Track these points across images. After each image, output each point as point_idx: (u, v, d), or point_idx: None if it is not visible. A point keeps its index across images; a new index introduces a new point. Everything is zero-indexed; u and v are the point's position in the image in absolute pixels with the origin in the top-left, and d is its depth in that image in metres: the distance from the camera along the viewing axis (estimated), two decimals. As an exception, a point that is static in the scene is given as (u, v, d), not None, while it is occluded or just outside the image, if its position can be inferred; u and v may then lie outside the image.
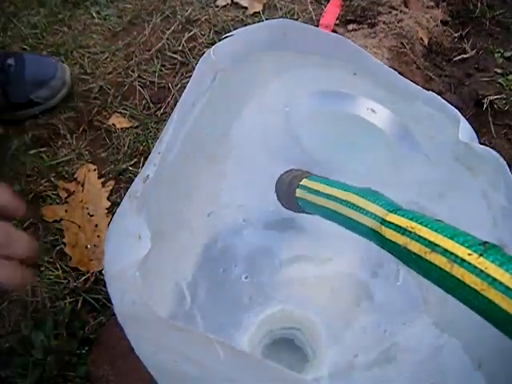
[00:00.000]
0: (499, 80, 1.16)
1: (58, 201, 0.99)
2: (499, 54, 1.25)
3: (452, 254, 0.31)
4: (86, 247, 0.93)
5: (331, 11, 1.30)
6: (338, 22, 1.29)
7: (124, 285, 0.37)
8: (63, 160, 1.04)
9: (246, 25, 1.28)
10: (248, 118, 0.67)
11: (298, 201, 0.57)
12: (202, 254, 0.69)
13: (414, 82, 0.57)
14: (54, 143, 1.07)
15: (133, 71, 1.20)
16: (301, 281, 0.70)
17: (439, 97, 0.55)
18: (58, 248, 0.93)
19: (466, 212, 0.53)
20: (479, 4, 1.36)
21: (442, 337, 0.56)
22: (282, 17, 1.31)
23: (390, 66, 0.59)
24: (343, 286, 0.69)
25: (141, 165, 1.02)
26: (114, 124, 1.10)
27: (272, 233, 0.73)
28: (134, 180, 0.47)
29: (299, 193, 0.56)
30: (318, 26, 1.24)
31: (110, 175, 1.03)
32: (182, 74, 1.19)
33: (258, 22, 1.29)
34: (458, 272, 0.30)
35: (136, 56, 1.24)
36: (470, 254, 0.30)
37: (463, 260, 0.30)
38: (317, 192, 0.51)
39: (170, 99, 1.13)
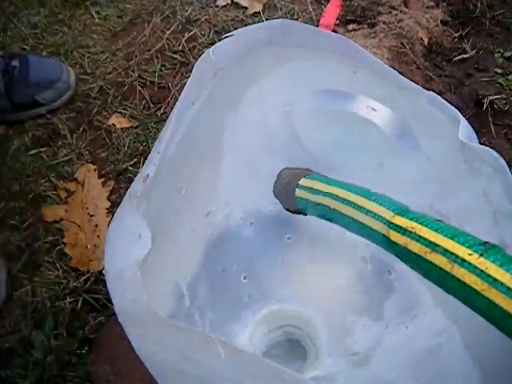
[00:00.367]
0: (499, 80, 1.16)
1: (57, 201, 0.99)
2: (499, 54, 1.25)
3: (452, 254, 0.31)
4: (86, 247, 0.93)
5: (331, 11, 1.30)
6: (337, 22, 1.29)
7: (124, 284, 0.37)
8: (63, 160, 1.04)
9: (246, 25, 1.28)
10: (247, 116, 0.67)
11: (297, 201, 0.57)
12: (202, 254, 0.69)
13: (414, 82, 0.57)
14: (54, 143, 1.07)
15: (133, 71, 1.20)
16: (300, 280, 0.70)
17: (439, 97, 0.55)
18: (57, 248, 0.93)
19: (466, 212, 0.53)
20: (479, 4, 1.36)
21: (442, 335, 0.56)
22: (281, 17, 1.31)
23: (390, 66, 0.59)
24: (343, 284, 0.69)
25: (141, 165, 1.03)
26: (114, 124, 1.10)
27: (271, 232, 0.73)
28: (133, 180, 0.47)
29: (298, 192, 0.56)
30: (317, 26, 1.24)
31: (110, 175, 1.03)
32: (182, 74, 1.19)
33: (258, 22, 1.29)
34: (459, 272, 0.30)
35: (136, 56, 1.24)
36: (470, 254, 0.30)
37: (463, 260, 0.30)
38: (316, 191, 0.51)
39: (170, 99, 1.13)
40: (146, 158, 0.49)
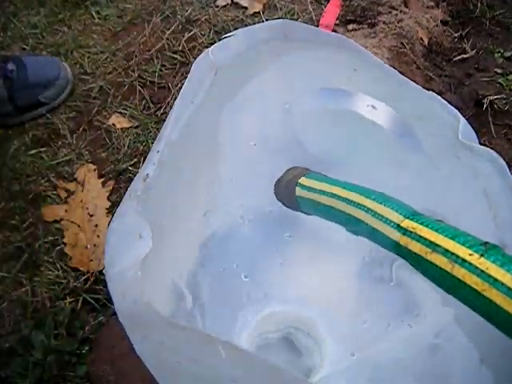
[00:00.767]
0: (499, 80, 1.17)
1: (57, 201, 0.99)
2: (499, 54, 1.25)
3: (453, 254, 0.31)
4: (86, 247, 0.93)
5: (331, 11, 1.30)
6: (337, 21, 1.29)
7: (125, 284, 0.37)
8: (63, 160, 1.04)
9: (246, 25, 1.28)
10: (247, 115, 0.67)
11: (298, 200, 0.57)
12: (201, 253, 0.68)
13: (414, 82, 0.57)
14: (54, 143, 1.07)
15: (133, 71, 1.21)
16: (301, 279, 0.70)
17: (439, 97, 0.55)
18: (57, 248, 0.93)
19: (466, 211, 0.53)
20: (479, 4, 1.36)
21: (444, 333, 0.56)
22: (282, 17, 1.31)
23: (390, 66, 0.58)
24: (344, 283, 0.69)
25: (141, 165, 1.03)
26: (113, 124, 1.10)
27: (272, 231, 0.73)
28: (133, 180, 0.47)
29: (298, 191, 0.56)
30: (317, 26, 1.24)
31: (110, 175, 1.03)
32: (182, 74, 1.19)
33: (258, 22, 1.29)
34: (459, 272, 0.30)
35: (136, 56, 1.24)
36: (470, 255, 0.30)
37: (464, 260, 0.30)
38: (316, 190, 0.51)
39: (170, 99, 1.14)
40: (145, 158, 0.49)
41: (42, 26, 1.33)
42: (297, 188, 0.56)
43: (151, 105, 1.14)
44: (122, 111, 1.12)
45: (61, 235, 0.95)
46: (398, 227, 0.37)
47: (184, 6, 1.37)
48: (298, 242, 0.72)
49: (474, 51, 1.24)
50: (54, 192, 1.00)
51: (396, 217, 0.38)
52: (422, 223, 0.34)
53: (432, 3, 1.34)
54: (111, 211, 0.97)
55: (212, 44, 0.58)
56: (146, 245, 0.38)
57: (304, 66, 0.63)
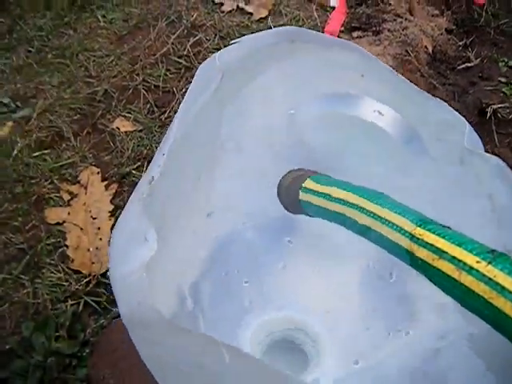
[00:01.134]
0: (503, 89, 1.17)
1: (60, 203, 0.99)
2: (503, 63, 1.25)
3: (460, 261, 0.31)
4: (89, 250, 0.93)
5: (336, 18, 1.30)
6: (342, 28, 1.29)
7: (130, 287, 0.37)
8: (67, 162, 1.04)
9: (251, 31, 1.29)
10: (252, 119, 0.67)
11: (302, 203, 0.56)
12: (203, 257, 0.68)
13: (419, 90, 0.57)
14: (58, 146, 1.07)
15: (138, 75, 1.21)
16: (302, 284, 0.70)
17: (445, 104, 0.55)
18: (60, 250, 0.94)
19: (471, 216, 0.53)
20: (484, 13, 1.36)
21: (445, 339, 0.56)
22: (287, 23, 1.32)
23: (395, 73, 0.59)
24: (347, 290, 0.69)
25: (144, 168, 1.03)
26: (118, 127, 1.10)
27: (274, 236, 0.73)
28: (137, 183, 0.47)
29: (302, 195, 0.56)
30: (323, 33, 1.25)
31: (114, 178, 1.03)
32: (187, 79, 1.20)
33: (264, 28, 1.29)
34: (466, 280, 0.30)
35: (141, 60, 1.24)
36: (478, 262, 0.30)
37: (471, 268, 0.30)
38: (321, 194, 0.51)
39: (174, 103, 1.14)
40: (149, 162, 0.49)
41: (47, 29, 1.34)
42: (300, 191, 0.56)
43: (155, 109, 1.14)
44: (127, 115, 1.13)
45: (63, 237, 0.95)
46: (406, 233, 0.36)
47: (189, 10, 1.37)
48: (300, 247, 0.72)
49: (479, 60, 1.24)
50: (57, 194, 1.00)
51: (404, 223, 0.37)
52: (429, 230, 0.34)
53: (437, 11, 1.34)
54: (114, 214, 0.97)
55: (217, 49, 0.59)
56: (151, 248, 0.38)
57: (310, 71, 0.63)
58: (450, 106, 0.56)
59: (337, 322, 0.67)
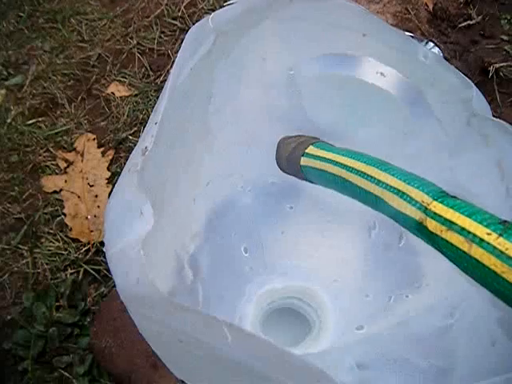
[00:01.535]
0: (505, 47, 1.14)
1: (57, 171, 0.98)
2: (506, 21, 1.22)
3: (469, 233, 0.29)
4: (87, 218, 0.93)
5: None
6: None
7: (127, 263, 0.36)
8: (62, 130, 1.03)
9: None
10: (249, 82, 0.65)
11: (303, 170, 0.54)
12: (202, 226, 0.67)
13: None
14: (52, 113, 1.06)
15: (131, 38, 1.18)
16: (303, 251, 0.69)
17: (452, 66, 0.53)
18: (57, 219, 0.93)
19: (478, 182, 0.52)
20: (485, -32, 1.33)
21: (452, 311, 0.55)
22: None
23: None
24: (349, 255, 0.68)
25: (141, 133, 1.01)
26: (113, 92, 1.08)
27: (273, 201, 0.71)
28: (133, 149, 0.46)
29: (304, 161, 0.54)
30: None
31: (110, 144, 1.01)
32: (182, 41, 1.17)
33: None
34: (477, 252, 0.29)
35: (135, 23, 1.21)
36: (488, 234, 0.28)
37: (482, 240, 0.28)
38: (325, 160, 0.48)
39: (169, 67, 1.12)
40: (145, 127, 0.47)
41: (38, -8, 1.31)
42: (302, 158, 0.54)
43: (151, 72, 1.12)
44: (121, 79, 1.11)
45: (61, 206, 0.94)
46: (416, 204, 0.35)
47: (183, -30, 1.34)
48: (301, 212, 0.71)
49: (480, 17, 1.21)
50: (53, 162, 0.99)
51: (416, 193, 0.35)
52: (436, 199, 0.33)
53: (437, -33, 1.31)
54: (111, 181, 0.96)
55: (212, 10, 0.57)
56: (148, 222, 0.37)
57: (309, 31, 0.61)
58: (452, 65, 0.54)
59: (340, 288, 0.66)
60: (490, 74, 1.07)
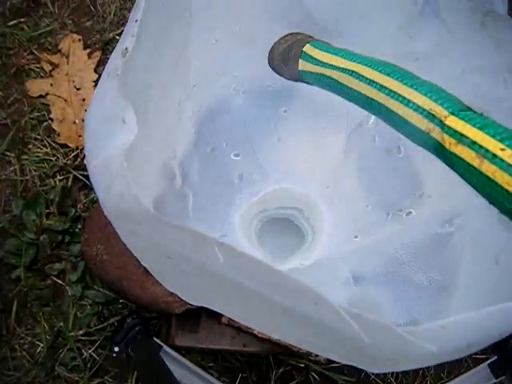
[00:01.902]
0: None
1: (42, 74, 0.94)
2: None
3: (481, 147, 0.27)
4: (74, 122, 0.90)
5: None
6: None
7: (110, 176, 0.34)
8: (45, 30, 0.98)
9: None
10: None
11: (300, 72, 0.51)
12: (191, 130, 0.65)
13: None
14: (35, 13, 1.01)
15: None
16: (301, 157, 0.67)
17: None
18: (44, 124, 0.90)
19: (488, 91, 0.49)
20: None
21: (451, 223, 0.54)
22: None
23: None
24: (348, 164, 0.66)
25: (128, 34, 0.97)
26: (98, -10, 1.04)
27: (268, 105, 0.69)
28: (110, 57, 0.42)
29: (301, 63, 0.50)
30: None
31: (96, 45, 0.98)
32: None
33: None
34: (489, 169, 0.26)
35: None
36: (502, 149, 0.26)
37: (495, 155, 0.26)
38: (324, 64, 0.45)
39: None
40: (126, 26, 0.44)
41: None
42: (300, 59, 0.50)
43: (137, -32, 1.06)
44: (107, -25, 1.05)
45: (47, 111, 0.91)
46: (422, 112, 0.32)
47: None
48: (296, 117, 0.68)
49: None
50: (38, 65, 0.95)
51: (423, 101, 0.33)
52: (445, 108, 0.30)
53: None
54: (98, 84, 0.93)
55: None
56: (131, 131, 0.34)
57: None
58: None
59: (335, 195, 0.65)
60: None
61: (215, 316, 0.68)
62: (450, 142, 0.29)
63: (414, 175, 0.61)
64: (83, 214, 0.84)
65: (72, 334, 0.78)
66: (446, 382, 0.76)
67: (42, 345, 0.78)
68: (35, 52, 0.96)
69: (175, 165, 0.61)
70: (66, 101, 0.92)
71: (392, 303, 0.55)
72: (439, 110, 0.30)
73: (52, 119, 0.91)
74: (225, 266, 0.30)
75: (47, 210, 0.83)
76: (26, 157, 0.87)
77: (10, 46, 0.96)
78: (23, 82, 0.94)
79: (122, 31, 0.92)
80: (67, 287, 0.80)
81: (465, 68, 0.53)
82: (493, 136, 0.27)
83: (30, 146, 0.88)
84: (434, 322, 0.28)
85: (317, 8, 0.61)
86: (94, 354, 0.78)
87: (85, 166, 0.86)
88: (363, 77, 0.38)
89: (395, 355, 0.30)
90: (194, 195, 0.62)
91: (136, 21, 0.40)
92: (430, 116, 0.31)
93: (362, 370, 0.78)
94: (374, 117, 0.39)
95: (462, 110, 0.29)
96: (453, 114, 0.29)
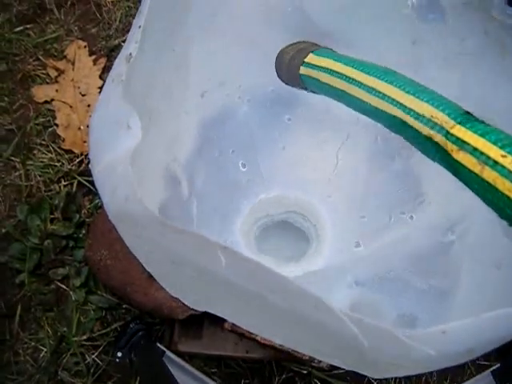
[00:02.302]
0: None
1: (47, 80, 0.95)
2: None
3: (482, 154, 0.27)
4: (79, 128, 0.91)
5: None
6: None
7: (115, 180, 0.34)
8: (51, 37, 0.99)
9: None
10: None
11: (303, 79, 0.51)
12: (197, 138, 0.65)
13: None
14: (41, 19, 1.01)
15: None
16: (304, 165, 0.67)
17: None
18: (49, 130, 0.91)
19: (493, 97, 0.49)
20: None
21: (453, 230, 0.54)
22: None
23: None
24: (350, 171, 0.66)
25: (133, 41, 0.98)
26: (103, -4, 1.04)
27: (273, 113, 0.69)
28: (114, 62, 0.43)
29: (303, 70, 0.51)
30: None
31: (102, 52, 0.98)
32: None
33: None
34: (490, 176, 0.26)
35: None
36: (503, 156, 0.26)
37: (496, 162, 0.26)
38: (327, 70, 0.45)
39: (162, -31, 1.07)
40: (130, 32, 0.44)
41: None
42: (302, 67, 0.51)
43: (142, -25, 1.07)
44: (112, -17, 1.06)
45: (52, 116, 0.92)
46: (423, 119, 0.32)
47: None
48: (300, 125, 0.68)
49: None
50: (44, 71, 0.95)
51: (425, 108, 0.33)
52: (447, 115, 0.30)
53: None
54: (104, 91, 0.93)
55: None
56: (135, 135, 0.35)
57: None
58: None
59: (338, 203, 0.65)
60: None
61: (218, 322, 0.68)
62: (451, 149, 0.29)
63: (415, 181, 0.61)
64: (87, 220, 0.84)
65: (75, 338, 0.78)
66: (449, 389, 0.76)
67: (45, 349, 0.79)
68: (41, 58, 0.96)
69: (179, 171, 0.61)
70: (71, 107, 0.93)
71: (393, 308, 0.55)
72: (441, 117, 0.30)
73: (57, 125, 0.91)
74: (227, 270, 0.30)
75: (51, 216, 0.84)
76: (30, 162, 0.88)
77: (16, 52, 0.97)
78: (29, 87, 0.94)
79: (128, 38, 0.93)
80: (71, 292, 0.80)
81: (468, 71, 0.53)
82: (494, 143, 0.27)
83: (35, 152, 0.89)
84: (435, 327, 0.28)
85: (319, 15, 0.62)
86: (97, 359, 0.78)
87: (89, 171, 0.86)
88: (365, 85, 0.38)
89: (396, 359, 0.31)
90: (198, 201, 0.62)
91: (139, 27, 0.40)
92: (432, 123, 0.31)
93: (364, 377, 0.78)
94: (376, 123, 0.39)
95: (464, 117, 0.30)
96: (454, 120, 0.30)
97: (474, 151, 0.28)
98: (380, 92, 0.36)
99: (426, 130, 0.31)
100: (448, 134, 0.29)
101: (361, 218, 0.63)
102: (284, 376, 0.77)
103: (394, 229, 0.60)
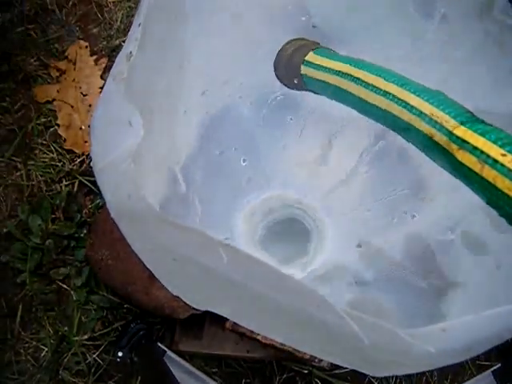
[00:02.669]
0: None
1: (49, 80, 0.95)
2: None
3: (483, 153, 0.27)
4: (81, 128, 0.91)
5: None
6: None
7: (117, 178, 0.34)
8: (53, 37, 0.99)
9: None
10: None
11: (304, 79, 0.51)
12: (197, 136, 0.65)
13: None
14: (43, 20, 1.01)
15: None
16: (305, 164, 0.68)
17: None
18: (51, 130, 0.91)
19: (493, 97, 0.49)
20: None
21: (453, 229, 0.54)
22: None
23: None
24: (352, 170, 0.66)
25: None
26: (105, -3, 1.04)
27: (273, 113, 0.69)
28: (115, 61, 0.43)
29: (304, 70, 0.51)
30: None
31: (103, 52, 0.98)
32: None
33: None
34: (490, 174, 0.27)
35: None
36: (503, 155, 0.26)
37: (496, 161, 0.26)
38: (328, 70, 0.45)
39: (163, -30, 1.07)
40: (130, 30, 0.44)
41: None
42: (302, 66, 0.51)
43: (144, -24, 1.07)
44: (114, -17, 1.06)
45: (54, 116, 0.92)
46: (425, 118, 0.32)
47: None
48: (303, 122, 0.68)
49: None
50: (45, 71, 0.96)
51: (426, 107, 0.33)
52: (448, 113, 0.30)
53: None
54: (105, 91, 0.93)
55: None
56: (137, 133, 0.35)
57: None
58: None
59: (340, 203, 0.65)
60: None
61: (219, 322, 0.68)
62: (452, 148, 0.29)
63: (417, 180, 0.61)
64: (88, 220, 0.85)
65: (76, 338, 0.79)
66: (450, 389, 0.76)
67: (46, 349, 0.79)
68: (43, 58, 0.96)
69: (180, 169, 0.61)
70: (72, 107, 0.93)
71: (393, 306, 0.55)
72: (442, 116, 0.31)
73: (58, 125, 0.91)
74: (229, 268, 0.30)
75: (53, 215, 0.84)
76: (32, 162, 0.88)
77: (17, 53, 0.97)
78: (30, 87, 0.94)
79: (129, 38, 0.93)
80: (72, 292, 0.80)
81: (467, 69, 0.53)
82: (494, 142, 0.27)
83: (37, 152, 0.89)
84: (435, 325, 0.28)
85: (320, 15, 0.62)
86: (98, 359, 0.78)
87: (91, 171, 0.86)
88: (366, 83, 0.39)
89: (396, 357, 0.31)
90: (199, 199, 0.63)
91: (139, 25, 0.40)
92: (433, 121, 0.31)
93: (365, 377, 0.78)
94: (378, 124, 0.39)
95: (465, 116, 0.30)
96: (455, 119, 0.30)
97: (474, 150, 0.28)
98: (383, 91, 0.37)
99: (425, 128, 0.32)
100: (449, 133, 0.30)
101: (362, 217, 0.63)
102: (285, 376, 0.78)
103: (396, 228, 0.60)
